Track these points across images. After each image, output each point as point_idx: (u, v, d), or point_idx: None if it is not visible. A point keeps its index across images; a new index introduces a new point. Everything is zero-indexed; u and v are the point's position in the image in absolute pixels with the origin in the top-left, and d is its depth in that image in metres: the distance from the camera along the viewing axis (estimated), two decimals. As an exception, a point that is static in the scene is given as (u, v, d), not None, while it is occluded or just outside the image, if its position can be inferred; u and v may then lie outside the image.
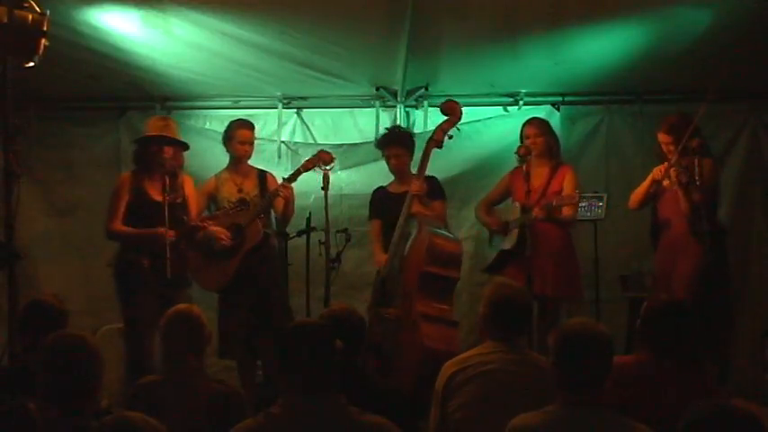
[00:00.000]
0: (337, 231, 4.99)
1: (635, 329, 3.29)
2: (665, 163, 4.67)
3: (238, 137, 5.06)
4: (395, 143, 5.07)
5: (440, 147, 4.92)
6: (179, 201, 4.81)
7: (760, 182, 5.92)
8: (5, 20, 3.13)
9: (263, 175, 5.19)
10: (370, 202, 5.21)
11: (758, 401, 3.35)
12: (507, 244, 4.96)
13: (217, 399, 3.15)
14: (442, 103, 5.04)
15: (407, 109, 5.90)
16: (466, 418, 3.06)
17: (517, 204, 5.00)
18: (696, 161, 4.55)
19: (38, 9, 3.24)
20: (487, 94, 5.90)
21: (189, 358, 3.24)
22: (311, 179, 5.24)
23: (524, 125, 5.13)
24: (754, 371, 5.34)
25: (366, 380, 3.05)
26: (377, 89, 5.78)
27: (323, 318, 3.14)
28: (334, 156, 4.82)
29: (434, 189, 4.99)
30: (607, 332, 2.67)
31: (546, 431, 2.55)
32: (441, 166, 5.58)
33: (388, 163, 5.12)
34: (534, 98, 5.88)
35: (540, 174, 5.00)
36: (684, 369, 3.09)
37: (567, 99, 5.86)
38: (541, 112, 5.81)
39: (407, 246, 4.77)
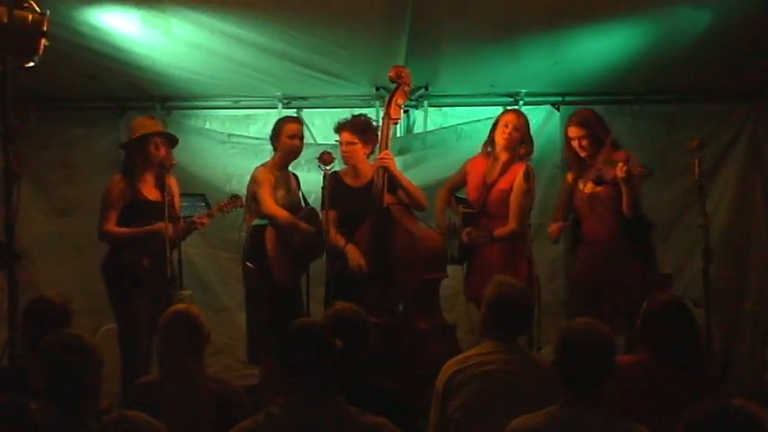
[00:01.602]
0: (337, 231, 4.99)
1: (635, 329, 3.29)
2: (621, 164, 4.29)
3: (289, 131, 4.98)
4: (345, 129, 4.86)
5: (396, 123, 4.81)
6: (169, 198, 4.82)
7: (760, 182, 5.92)
8: (5, 20, 3.13)
9: (297, 177, 5.18)
10: (326, 191, 4.66)
11: (758, 401, 3.35)
12: (453, 249, 4.84)
13: (216, 399, 3.15)
14: (390, 72, 4.74)
15: (407, 109, 5.89)
16: (466, 419, 3.06)
17: (461, 208, 4.88)
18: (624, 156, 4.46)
19: (38, 9, 3.24)
20: (487, 94, 5.90)
21: (188, 358, 3.23)
22: (311, 179, 5.25)
23: (506, 113, 4.94)
24: (755, 371, 5.35)
25: (366, 380, 3.04)
26: (377, 89, 5.77)
27: (327, 317, 3.14)
28: (334, 156, 4.81)
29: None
30: (609, 332, 2.67)
31: (546, 432, 2.56)
32: (441, 165, 5.60)
33: (340, 150, 4.92)
34: (534, 98, 5.88)
35: (494, 168, 4.84)
36: (684, 369, 3.09)
37: (567, 99, 5.86)
38: (541, 112, 5.82)
39: (389, 241, 4.63)
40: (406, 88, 4.76)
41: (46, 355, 2.73)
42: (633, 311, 4.23)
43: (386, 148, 4.72)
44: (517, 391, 3.02)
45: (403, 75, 4.72)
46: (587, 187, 4.63)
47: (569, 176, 4.78)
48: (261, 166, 5.01)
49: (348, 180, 4.94)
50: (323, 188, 4.72)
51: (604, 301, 4.48)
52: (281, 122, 5.08)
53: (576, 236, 4.76)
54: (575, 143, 4.64)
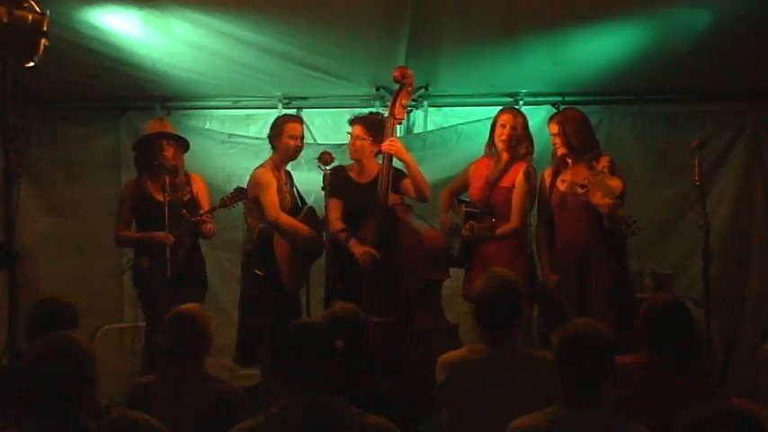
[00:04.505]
0: (337, 231, 4.99)
1: (635, 329, 3.29)
2: (609, 203, 4.31)
3: (290, 131, 4.94)
4: (358, 122, 4.89)
5: (400, 123, 4.82)
6: (186, 199, 4.84)
7: (760, 182, 5.92)
8: (5, 20, 3.14)
9: (290, 176, 5.17)
10: (330, 182, 4.71)
11: (758, 402, 3.35)
12: (454, 250, 4.82)
13: (216, 399, 3.15)
14: (393, 72, 4.75)
15: (408, 109, 5.88)
16: (458, 415, 3.08)
17: (463, 207, 4.88)
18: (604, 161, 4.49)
19: (38, 9, 3.24)
20: (487, 94, 5.89)
21: (189, 358, 3.24)
22: (311, 179, 5.25)
23: (503, 112, 4.90)
24: (754, 371, 5.35)
25: (366, 380, 3.05)
26: (377, 89, 5.77)
27: (326, 317, 3.14)
28: (334, 156, 4.81)
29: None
30: (609, 333, 2.67)
31: (546, 432, 2.55)
32: (441, 165, 5.59)
33: (348, 142, 4.96)
34: (534, 98, 5.88)
35: (496, 167, 4.84)
36: (684, 369, 3.10)
37: (566, 99, 5.85)
38: (542, 112, 5.81)
39: (395, 240, 4.63)
40: (410, 89, 4.77)
41: (35, 359, 2.70)
42: (617, 314, 4.29)
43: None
44: (510, 388, 3.02)
45: (407, 75, 4.72)
46: (564, 185, 4.63)
47: (547, 175, 4.75)
48: (261, 167, 4.97)
49: (353, 175, 4.95)
50: (323, 188, 4.72)
51: (585, 301, 4.50)
52: (283, 122, 5.04)
53: (550, 237, 4.73)
54: (556, 139, 4.67)
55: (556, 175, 4.70)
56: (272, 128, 5.05)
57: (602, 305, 4.40)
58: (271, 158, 5.02)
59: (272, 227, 4.82)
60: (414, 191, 4.82)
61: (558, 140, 4.63)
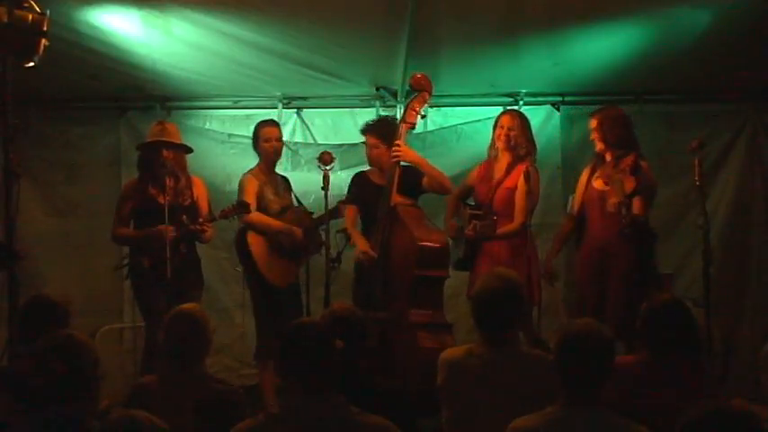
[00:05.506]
0: (337, 231, 4.99)
1: (635, 329, 3.29)
2: (615, 201, 4.39)
3: (264, 135, 5.09)
4: (370, 133, 4.93)
5: (413, 128, 4.86)
6: (187, 203, 4.84)
7: (760, 182, 5.92)
8: (5, 19, 3.14)
9: (287, 180, 5.26)
10: (351, 186, 5.05)
11: (758, 401, 3.35)
12: (459, 252, 4.85)
13: (216, 399, 3.14)
14: (411, 78, 4.86)
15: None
16: (455, 414, 3.08)
17: (467, 210, 4.90)
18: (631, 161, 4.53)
19: (38, 9, 3.24)
20: (487, 94, 5.90)
21: (189, 358, 3.24)
22: (311, 179, 5.26)
23: (502, 114, 4.95)
24: (754, 372, 5.35)
25: (366, 380, 3.05)
26: (377, 89, 5.78)
27: (325, 317, 3.14)
28: (334, 156, 4.82)
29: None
30: (609, 333, 2.67)
31: (546, 432, 2.55)
32: (441, 165, 5.57)
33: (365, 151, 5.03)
34: (534, 98, 5.89)
35: (499, 168, 4.86)
36: (684, 369, 3.10)
37: (566, 99, 5.87)
38: (542, 112, 5.83)
39: (391, 239, 4.67)
40: (427, 95, 4.79)
41: (40, 358, 2.70)
42: (630, 313, 4.29)
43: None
44: (507, 387, 3.02)
45: (423, 83, 4.76)
46: (598, 183, 4.67)
47: (585, 171, 4.81)
48: (247, 172, 5.10)
49: (374, 178, 4.98)
50: (323, 188, 4.73)
51: (605, 299, 4.55)
52: (258, 129, 5.15)
53: (579, 233, 4.79)
54: (593, 134, 4.73)
55: (593, 172, 4.75)
56: (251, 137, 5.18)
57: (620, 301, 4.45)
58: (258, 165, 5.13)
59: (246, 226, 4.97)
60: (432, 186, 4.85)
61: (595, 135, 4.70)
